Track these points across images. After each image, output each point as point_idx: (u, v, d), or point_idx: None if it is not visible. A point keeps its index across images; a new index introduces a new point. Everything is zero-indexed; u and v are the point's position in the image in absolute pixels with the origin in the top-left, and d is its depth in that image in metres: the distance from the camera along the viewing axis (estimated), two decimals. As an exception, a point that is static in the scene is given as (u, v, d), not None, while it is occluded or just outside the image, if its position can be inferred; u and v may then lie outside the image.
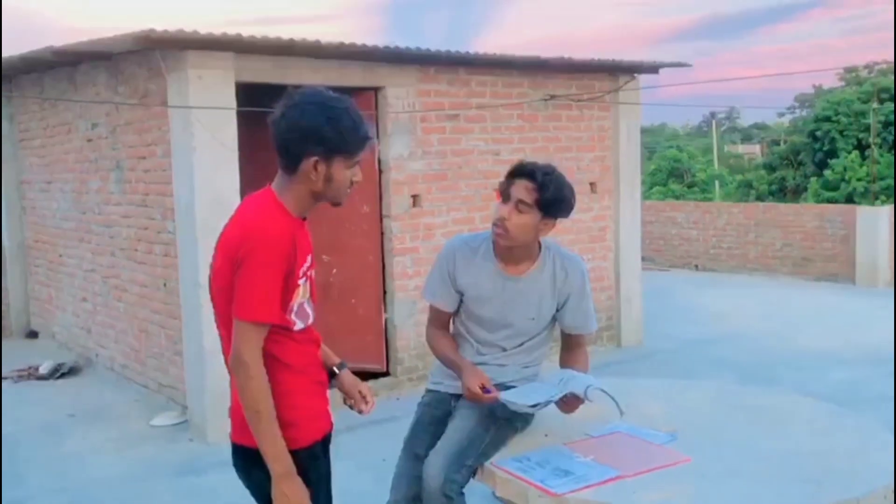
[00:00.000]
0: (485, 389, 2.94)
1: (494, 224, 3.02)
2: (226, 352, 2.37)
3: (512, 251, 3.07)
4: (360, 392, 2.63)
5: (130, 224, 6.78)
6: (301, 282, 2.33)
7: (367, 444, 5.49)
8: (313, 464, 2.40)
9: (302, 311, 2.37)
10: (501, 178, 3.08)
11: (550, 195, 2.94)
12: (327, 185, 2.31)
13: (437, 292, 3.19)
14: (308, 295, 2.39)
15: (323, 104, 2.28)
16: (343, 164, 2.31)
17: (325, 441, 2.50)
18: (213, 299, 2.39)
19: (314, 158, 2.26)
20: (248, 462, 2.36)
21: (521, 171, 3.01)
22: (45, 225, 8.50)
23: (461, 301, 3.18)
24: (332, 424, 2.53)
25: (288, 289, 2.28)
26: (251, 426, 2.27)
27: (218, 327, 2.41)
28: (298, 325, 2.37)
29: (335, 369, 2.61)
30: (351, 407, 2.64)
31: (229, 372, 2.34)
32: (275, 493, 2.27)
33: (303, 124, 2.25)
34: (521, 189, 2.97)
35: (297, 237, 2.29)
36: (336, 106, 2.29)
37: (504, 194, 3.02)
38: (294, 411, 2.34)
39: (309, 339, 2.44)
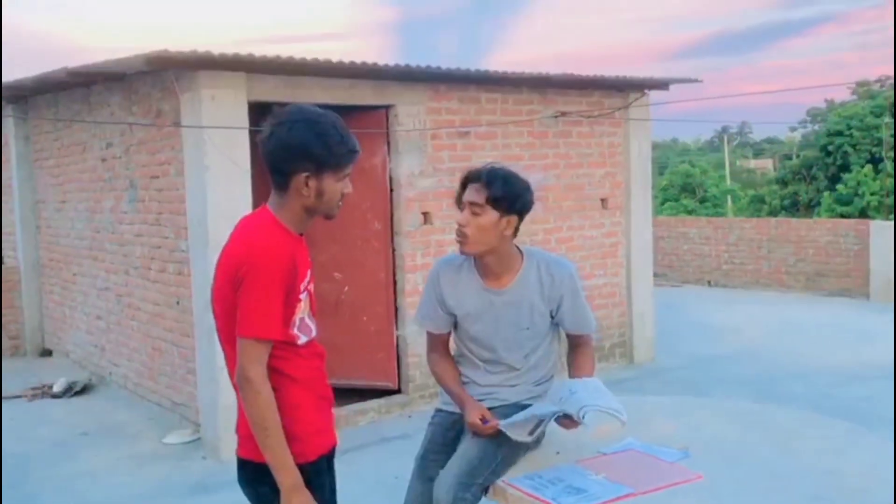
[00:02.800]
0: (484, 420, 2.97)
1: (456, 234, 3.03)
2: (231, 369, 2.40)
3: (489, 264, 3.06)
4: None
5: (144, 243, 6.83)
6: (302, 296, 2.37)
7: (378, 461, 5.48)
8: (318, 479, 2.42)
9: (304, 326, 2.40)
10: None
11: (499, 190, 2.94)
12: (319, 199, 2.35)
13: (428, 315, 3.19)
14: (309, 309, 2.42)
15: (309, 121, 2.32)
16: (333, 178, 2.34)
17: (330, 456, 2.53)
18: (215, 318, 2.43)
19: (304, 175, 2.31)
20: (255, 477, 2.39)
21: (468, 177, 3.03)
22: (60, 244, 8.57)
23: (456, 322, 3.18)
24: (336, 439, 2.55)
25: (290, 305, 2.32)
26: (259, 442, 2.30)
27: (222, 345, 2.45)
28: (302, 340, 2.40)
29: None
30: None
31: (235, 389, 2.37)
32: None
33: (291, 142, 2.29)
34: (472, 192, 2.99)
35: (296, 254, 2.33)
36: (322, 122, 2.32)
37: (459, 203, 3.04)
38: (300, 425, 2.37)
39: (313, 354, 2.47)
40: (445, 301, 3.13)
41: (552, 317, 3.16)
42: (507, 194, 2.96)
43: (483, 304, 3.10)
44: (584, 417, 2.80)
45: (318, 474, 2.43)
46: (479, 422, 2.96)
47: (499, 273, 3.09)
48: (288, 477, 2.29)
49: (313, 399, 2.45)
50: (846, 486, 2.73)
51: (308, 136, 2.29)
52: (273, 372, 2.32)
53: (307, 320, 2.42)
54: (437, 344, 3.25)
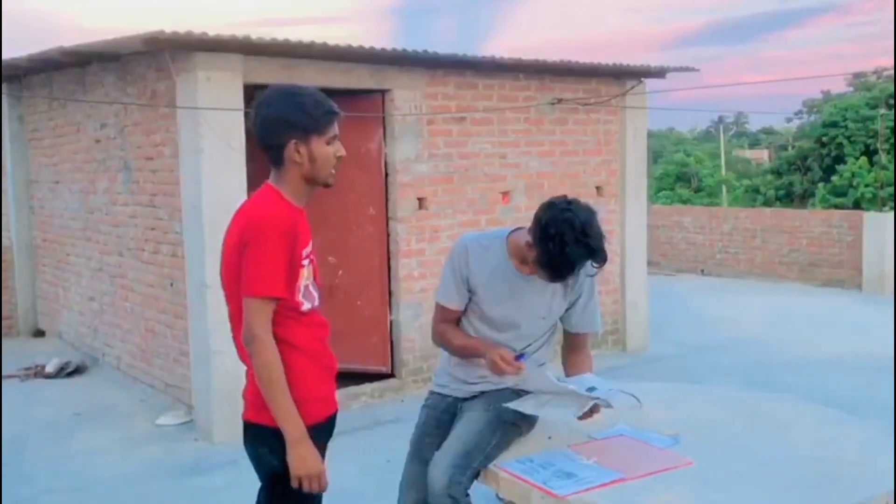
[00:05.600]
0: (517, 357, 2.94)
1: None
2: (237, 337, 2.51)
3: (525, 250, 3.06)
4: None
5: (138, 224, 6.81)
6: (305, 263, 2.48)
7: (370, 445, 5.50)
8: (316, 442, 2.48)
9: (308, 293, 2.52)
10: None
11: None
12: (313, 164, 2.48)
13: (450, 293, 3.13)
14: (312, 277, 2.54)
15: (285, 93, 2.50)
16: (320, 141, 2.48)
17: (329, 424, 2.61)
18: (224, 289, 2.53)
19: (293, 142, 2.45)
20: (257, 439, 2.52)
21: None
22: (53, 224, 8.55)
23: (469, 300, 3.16)
24: (336, 408, 2.65)
25: (293, 268, 2.43)
26: (265, 394, 2.40)
27: (231, 317, 2.54)
28: (305, 306, 2.51)
29: None
30: None
31: (240, 350, 2.49)
32: (291, 457, 2.40)
33: (273, 115, 2.46)
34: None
35: (297, 222, 2.46)
36: (297, 92, 2.50)
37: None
38: (301, 393, 2.45)
39: (316, 323, 2.57)
40: (471, 278, 3.10)
41: (565, 310, 3.17)
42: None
43: (509, 287, 3.08)
44: (613, 402, 2.91)
45: (315, 439, 2.49)
46: (509, 357, 2.92)
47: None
48: (293, 428, 2.39)
49: (316, 368, 2.54)
50: (837, 474, 2.75)
51: (286, 107, 2.45)
52: (277, 339, 2.41)
53: (311, 288, 2.54)
54: (448, 320, 3.18)
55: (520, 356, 2.97)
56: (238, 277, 2.43)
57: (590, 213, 2.89)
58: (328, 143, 2.49)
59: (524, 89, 7.43)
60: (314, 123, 2.45)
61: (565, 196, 2.98)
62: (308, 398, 2.48)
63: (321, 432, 2.54)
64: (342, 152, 2.54)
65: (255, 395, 2.47)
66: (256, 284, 2.37)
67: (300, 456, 2.39)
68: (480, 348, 3.07)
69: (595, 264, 2.92)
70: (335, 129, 2.51)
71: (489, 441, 2.97)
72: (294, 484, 2.41)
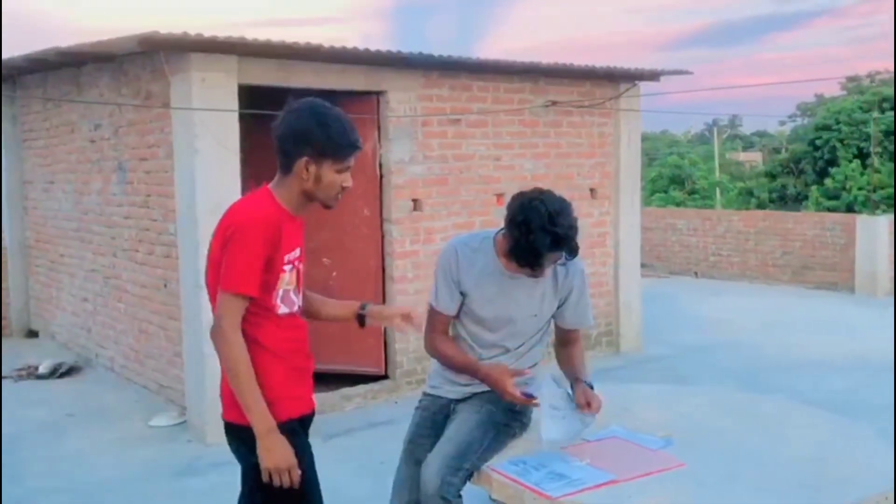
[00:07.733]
0: (524, 394, 2.97)
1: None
2: None
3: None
4: (400, 316, 2.84)
5: (132, 225, 6.80)
6: (287, 268, 2.49)
7: (365, 446, 5.49)
8: (292, 439, 2.49)
9: (287, 298, 2.53)
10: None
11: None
12: (317, 185, 2.49)
13: (444, 298, 3.15)
14: (294, 284, 2.55)
15: (315, 110, 2.48)
16: (332, 168, 2.48)
17: (304, 422, 2.63)
18: (209, 289, 2.54)
19: (305, 159, 2.45)
20: (234, 437, 2.55)
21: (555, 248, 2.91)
22: (47, 225, 8.53)
23: (462, 303, 3.18)
24: (312, 409, 2.66)
25: (272, 270, 2.44)
26: (233, 388, 2.42)
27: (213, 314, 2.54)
28: (282, 310, 2.52)
29: (361, 312, 2.85)
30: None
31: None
32: (259, 450, 2.41)
33: (296, 128, 2.46)
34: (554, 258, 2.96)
35: (284, 226, 2.46)
36: (328, 113, 2.48)
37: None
38: (269, 392, 2.46)
39: (293, 326, 2.58)
40: (462, 281, 3.11)
41: (557, 308, 3.18)
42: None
43: (498, 286, 3.09)
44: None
45: (292, 434, 2.51)
46: (518, 394, 2.95)
47: None
48: (262, 421, 2.41)
49: (285, 369, 2.54)
50: (829, 474, 2.77)
51: (312, 124, 2.45)
52: (247, 338, 2.43)
53: (292, 295, 2.54)
54: (441, 325, 3.20)
55: (529, 395, 2.99)
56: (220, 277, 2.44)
57: (562, 203, 2.89)
58: (338, 172, 2.50)
59: (519, 91, 7.44)
60: (333, 150, 2.47)
61: (539, 188, 2.99)
62: (278, 397, 2.49)
63: (294, 430, 2.54)
64: (349, 183, 2.55)
65: (229, 395, 2.49)
66: (230, 280, 2.40)
67: (267, 448, 2.40)
68: (479, 374, 3.07)
69: (568, 255, 2.92)
70: (351, 161, 2.52)
71: (481, 442, 2.98)
72: (264, 477, 2.43)
